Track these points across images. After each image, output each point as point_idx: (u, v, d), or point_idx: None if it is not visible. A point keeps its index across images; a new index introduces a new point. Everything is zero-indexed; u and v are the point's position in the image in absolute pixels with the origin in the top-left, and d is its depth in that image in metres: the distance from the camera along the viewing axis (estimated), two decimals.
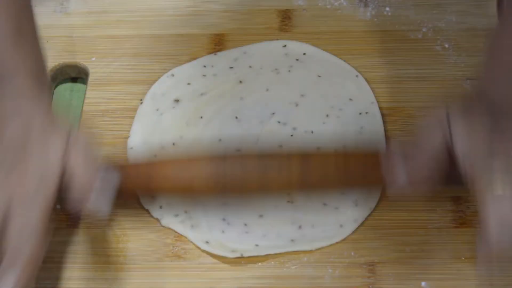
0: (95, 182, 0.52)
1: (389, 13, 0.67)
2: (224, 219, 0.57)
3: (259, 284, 0.55)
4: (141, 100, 0.63)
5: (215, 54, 0.66)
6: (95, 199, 0.51)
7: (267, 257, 0.55)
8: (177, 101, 0.63)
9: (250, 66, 0.65)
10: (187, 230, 0.56)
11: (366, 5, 0.68)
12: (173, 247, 0.56)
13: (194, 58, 0.66)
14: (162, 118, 0.62)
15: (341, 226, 0.56)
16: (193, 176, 0.55)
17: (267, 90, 0.63)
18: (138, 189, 0.57)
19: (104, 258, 0.56)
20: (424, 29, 0.66)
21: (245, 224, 0.57)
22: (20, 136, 0.51)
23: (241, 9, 0.68)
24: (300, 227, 0.56)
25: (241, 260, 0.55)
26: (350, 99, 0.62)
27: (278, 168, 0.54)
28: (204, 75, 0.65)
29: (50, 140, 0.51)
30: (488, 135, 0.50)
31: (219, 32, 0.67)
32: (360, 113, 0.62)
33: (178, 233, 0.57)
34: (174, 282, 0.55)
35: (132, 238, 0.57)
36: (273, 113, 0.62)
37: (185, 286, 0.55)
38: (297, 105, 0.62)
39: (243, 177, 0.55)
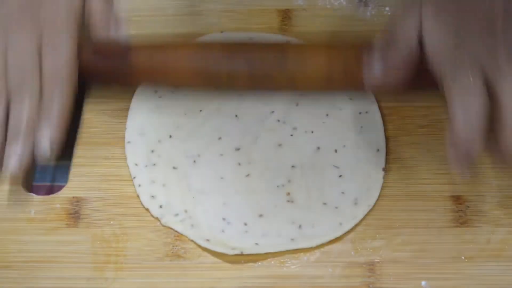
0: (111, 10, 0.57)
1: (389, 13, 0.67)
2: (224, 219, 0.57)
3: (259, 284, 0.55)
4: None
5: (222, 32, 0.66)
6: (114, 25, 0.57)
7: (267, 255, 0.55)
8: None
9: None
10: (187, 229, 0.56)
11: (366, 5, 0.68)
12: (173, 246, 0.56)
13: None
14: (160, 104, 0.62)
15: (340, 224, 0.56)
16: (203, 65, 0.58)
17: None
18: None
19: (104, 258, 0.56)
20: None
21: (245, 224, 0.57)
22: None
23: (241, 9, 0.68)
24: (300, 226, 0.56)
25: (241, 259, 0.55)
26: (350, 99, 0.62)
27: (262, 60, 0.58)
28: None
29: None
30: (456, 31, 0.51)
31: (219, 32, 0.67)
32: (360, 113, 0.62)
33: (178, 233, 0.57)
34: (174, 281, 0.55)
35: (132, 238, 0.57)
36: (273, 112, 0.62)
37: (185, 286, 0.55)
38: (297, 104, 0.62)
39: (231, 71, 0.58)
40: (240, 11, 0.68)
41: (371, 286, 0.54)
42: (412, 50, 0.53)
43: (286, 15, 0.68)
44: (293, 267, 0.55)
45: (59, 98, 0.54)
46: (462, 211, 0.57)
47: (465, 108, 0.49)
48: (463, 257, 0.55)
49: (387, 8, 0.67)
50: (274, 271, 0.55)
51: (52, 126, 0.54)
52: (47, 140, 0.53)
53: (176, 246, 0.56)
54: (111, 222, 0.57)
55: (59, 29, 0.55)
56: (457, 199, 0.57)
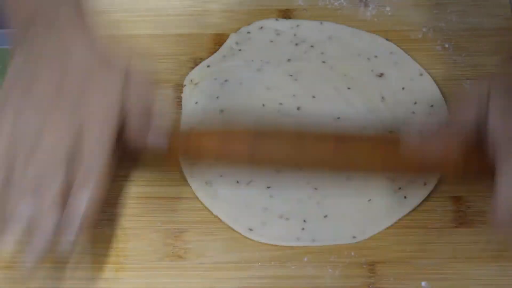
0: (152, 120, 0.54)
1: (389, 13, 0.67)
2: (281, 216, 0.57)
3: (259, 284, 0.55)
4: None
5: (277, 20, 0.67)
6: (152, 136, 0.54)
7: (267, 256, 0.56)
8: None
9: (296, 44, 0.66)
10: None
11: (366, 5, 0.68)
12: (173, 247, 0.56)
13: (194, 58, 0.66)
14: None
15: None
16: (231, 149, 0.56)
17: None
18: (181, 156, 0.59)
19: (104, 258, 0.56)
20: (424, 29, 0.66)
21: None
22: (83, 67, 0.53)
23: (241, 9, 0.68)
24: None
25: (241, 261, 0.55)
26: None
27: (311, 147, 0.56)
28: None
29: (110, 73, 0.53)
30: None
31: (219, 32, 0.67)
32: None
33: (178, 233, 0.57)
34: (174, 282, 0.55)
35: (132, 238, 0.57)
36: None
37: (185, 286, 0.55)
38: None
39: (277, 154, 0.56)
40: (240, 11, 0.68)
41: (371, 286, 0.54)
42: (470, 125, 0.52)
43: (286, 15, 0.68)
44: (293, 267, 0.55)
45: (97, 170, 0.52)
46: (462, 211, 0.57)
47: (506, 201, 0.49)
48: (463, 257, 0.55)
49: (387, 8, 0.67)
50: (274, 271, 0.55)
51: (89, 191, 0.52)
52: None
53: (176, 247, 0.56)
54: (111, 222, 0.57)
55: (100, 121, 0.52)
56: (457, 200, 0.57)
